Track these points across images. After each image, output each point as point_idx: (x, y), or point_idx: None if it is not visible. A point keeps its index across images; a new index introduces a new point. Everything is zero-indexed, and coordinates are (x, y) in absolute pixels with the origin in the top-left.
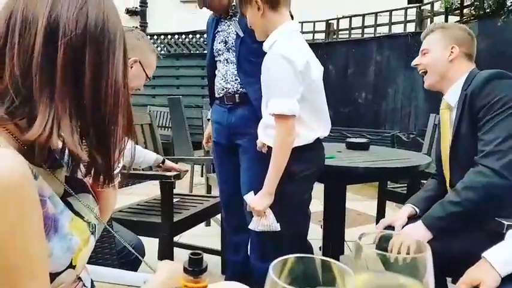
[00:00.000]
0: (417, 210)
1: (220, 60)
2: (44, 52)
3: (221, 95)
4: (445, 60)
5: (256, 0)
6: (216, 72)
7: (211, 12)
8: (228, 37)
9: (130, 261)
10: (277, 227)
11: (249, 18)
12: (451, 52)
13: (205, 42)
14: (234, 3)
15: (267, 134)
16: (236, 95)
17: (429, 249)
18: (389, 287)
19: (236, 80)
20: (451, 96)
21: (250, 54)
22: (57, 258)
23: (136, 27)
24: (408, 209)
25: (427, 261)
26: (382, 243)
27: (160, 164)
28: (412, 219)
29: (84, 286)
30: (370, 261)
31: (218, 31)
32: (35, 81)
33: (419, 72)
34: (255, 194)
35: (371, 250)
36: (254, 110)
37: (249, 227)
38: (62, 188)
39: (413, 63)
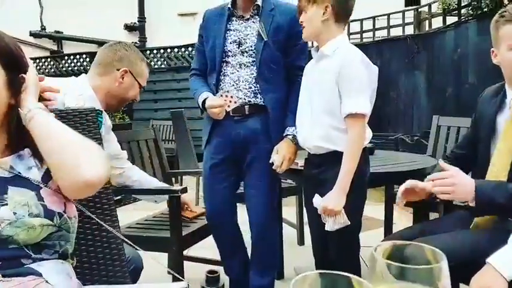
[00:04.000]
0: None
1: (229, 63)
2: None
3: None
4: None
5: (327, 5)
6: (221, 76)
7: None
8: (244, 38)
9: (129, 272)
10: (347, 221)
11: (308, 15)
12: None
13: None
14: (258, 3)
15: (329, 138)
16: (246, 106)
17: (445, 259)
18: None
19: (250, 88)
20: None
21: (272, 61)
22: None
23: (136, 43)
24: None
25: (443, 271)
26: (397, 254)
27: None
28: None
29: (47, 283)
30: (386, 272)
31: (229, 29)
32: None
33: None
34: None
35: (386, 261)
36: (267, 121)
37: (326, 228)
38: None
39: None
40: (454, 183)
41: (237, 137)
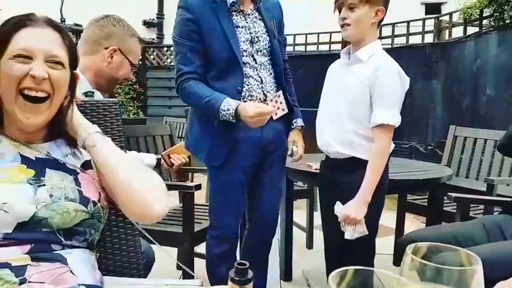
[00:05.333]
0: None
1: (247, 63)
2: None
3: None
4: None
5: (379, 9)
6: (245, 79)
7: None
8: (256, 36)
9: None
10: (365, 230)
11: (357, 14)
12: None
13: None
14: None
15: (351, 144)
16: None
17: (480, 263)
18: None
19: (273, 89)
20: None
21: (281, 59)
22: None
23: (153, 39)
24: None
25: (476, 274)
26: (431, 255)
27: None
28: None
29: (72, 273)
30: (421, 272)
31: (237, 26)
32: None
33: None
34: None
35: (422, 262)
36: (286, 121)
37: (346, 237)
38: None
39: None
40: None
41: (265, 140)
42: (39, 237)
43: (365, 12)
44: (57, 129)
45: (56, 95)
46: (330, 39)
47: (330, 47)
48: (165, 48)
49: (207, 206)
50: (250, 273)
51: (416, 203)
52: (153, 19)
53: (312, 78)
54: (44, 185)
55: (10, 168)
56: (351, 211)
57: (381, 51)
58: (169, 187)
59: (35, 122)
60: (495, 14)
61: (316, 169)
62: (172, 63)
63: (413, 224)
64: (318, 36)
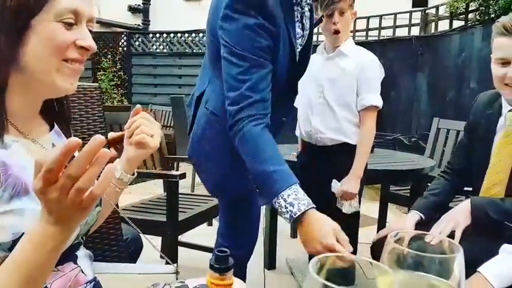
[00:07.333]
0: (423, 217)
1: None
2: None
3: None
4: None
5: (354, 12)
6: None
7: None
8: (304, 30)
9: (129, 253)
10: (358, 205)
11: (345, 18)
12: None
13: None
14: None
15: (341, 130)
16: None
17: (461, 251)
18: (422, 287)
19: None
20: None
21: None
22: (31, 219)
23: (139, 25)
24: (414, 216)
25: (457, 262)
26: (414, 243)
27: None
28: (419, 225)
29: (83, 273)
30: (402, 260)
31: (296, 21)
32: None
33: None
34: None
35: (404, 250)
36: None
37: (344, 211)
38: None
39: None
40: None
41: None
42: (69, 252)
43: (349, 15)
44: (58, 109)
45: None
46: (318, 30)
47: (317, 38)
48: (151, 35)
49: (191, 195)
50: (230, 261)
51: (399, 193)
52: (139, 5)
53: None
54: None
55: None
56: (349, 187)
57: (356, 46)
58: (154, 176)
59: (75, 88)
60: (481, 8)
61: (293, 155)
62: (157, 50)
63: (396, 215)
64: None
